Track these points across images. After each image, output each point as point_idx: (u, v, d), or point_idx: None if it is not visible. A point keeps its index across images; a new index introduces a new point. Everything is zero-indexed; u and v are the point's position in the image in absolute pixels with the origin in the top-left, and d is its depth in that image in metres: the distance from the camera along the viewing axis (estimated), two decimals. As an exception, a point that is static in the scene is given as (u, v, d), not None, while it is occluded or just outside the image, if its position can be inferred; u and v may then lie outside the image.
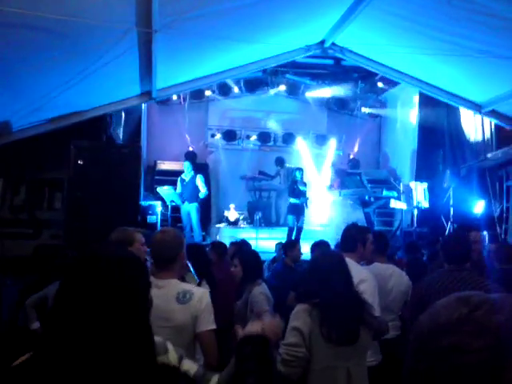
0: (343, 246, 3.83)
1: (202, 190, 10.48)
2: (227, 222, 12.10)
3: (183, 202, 10.61)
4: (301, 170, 11.00)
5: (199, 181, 10.51)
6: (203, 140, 13.73)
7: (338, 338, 2.75)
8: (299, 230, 10.42)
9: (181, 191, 10.69)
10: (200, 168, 12.01)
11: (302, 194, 10.56)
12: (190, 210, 10.43)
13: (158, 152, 13.37)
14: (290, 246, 6.37)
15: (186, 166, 10.75)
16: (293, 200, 10.48)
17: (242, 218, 12.25)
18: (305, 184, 10.77)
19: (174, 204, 10.98)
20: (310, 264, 3.12)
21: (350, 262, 3.19)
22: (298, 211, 10.40)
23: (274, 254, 7.66)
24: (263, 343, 1.90)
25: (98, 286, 1.32)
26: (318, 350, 2.75)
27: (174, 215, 11.41)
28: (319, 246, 5.66)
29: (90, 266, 1.36)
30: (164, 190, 10.75)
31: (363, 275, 3.51)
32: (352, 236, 3.81)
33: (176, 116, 13.38)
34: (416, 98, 12.30)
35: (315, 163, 13.78)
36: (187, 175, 10.63)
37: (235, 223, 12.00)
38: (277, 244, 7.66)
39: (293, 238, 9.84)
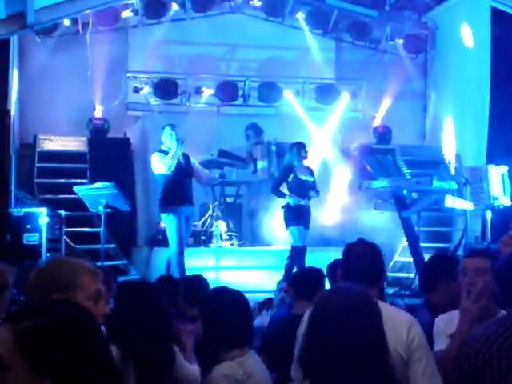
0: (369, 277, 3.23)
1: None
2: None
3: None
4: (301, 145, 9.44)
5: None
6: (119, 98, 11.46)
7: None
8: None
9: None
10: (115, 146, 10.74)
11: (306, 189, 9.16)
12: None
13: (39, 121, 11.13)
14: (309, 282, 5.15)
15: (167, 134, 8.55)
16: (291, 200, 9.01)
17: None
18: (311, 171, 9.48)
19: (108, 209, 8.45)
20: (310, 315, 2.36)
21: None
22: (304, 218, 9.09)
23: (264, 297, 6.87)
24: None
25: None
26: None
27: (77, 231, 9.49)
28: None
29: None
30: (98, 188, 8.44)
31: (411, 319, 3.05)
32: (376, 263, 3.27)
33: (71, 57, 11.10)
34: (487, 19, 10.20)
35: (315, 134, 11.58)
36: (178, 152, 8.36)
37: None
38: (279, 283, 6.72)
39: (305, 263, 8.65)
